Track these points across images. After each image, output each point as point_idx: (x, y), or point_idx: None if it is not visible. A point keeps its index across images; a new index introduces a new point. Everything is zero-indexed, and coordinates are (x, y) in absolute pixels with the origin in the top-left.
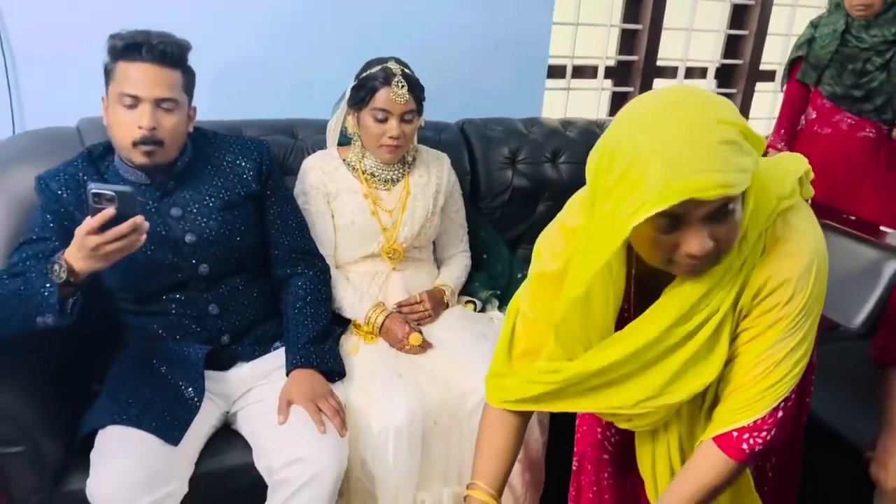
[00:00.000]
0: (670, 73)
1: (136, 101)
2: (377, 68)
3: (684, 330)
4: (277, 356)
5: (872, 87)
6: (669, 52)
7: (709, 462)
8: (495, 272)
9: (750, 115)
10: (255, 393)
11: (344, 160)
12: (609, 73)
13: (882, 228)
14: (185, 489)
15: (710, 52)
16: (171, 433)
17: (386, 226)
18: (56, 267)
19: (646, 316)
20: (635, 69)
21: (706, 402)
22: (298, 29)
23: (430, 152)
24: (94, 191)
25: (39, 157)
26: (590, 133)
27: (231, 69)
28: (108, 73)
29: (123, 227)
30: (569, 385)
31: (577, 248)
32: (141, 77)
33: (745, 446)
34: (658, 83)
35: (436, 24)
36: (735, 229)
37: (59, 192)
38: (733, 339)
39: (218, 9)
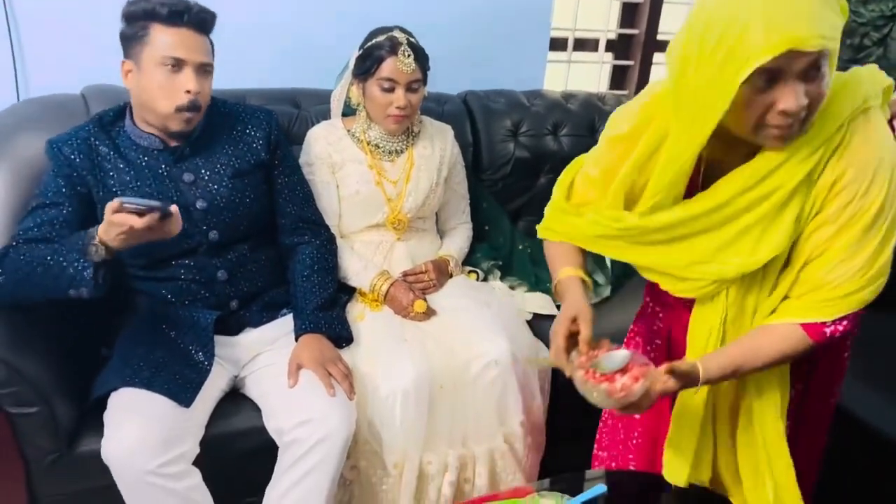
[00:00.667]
0: None
1: (180, 65)
2: (383, 37)
3: (749, 198)
4: (285, 322)
5: (869, 62)
6: (671, 25)
7: (789, 337)
8: (497, 243)
9: None
10: (264, 357)
11: (348, 131)
12: (610, 46)
13: None
14: (197, 450)
15: None
16: (183, 395)
17: (390, 196)
18: (91, 249)
19: (713, 186)
20: (636, 43)
21: (774, 292)
22: (305, 8)
23: (435, 124)
24: (126, 205)
25: (45, 124)
26: (591, 106)
27: (234, 37)
28: (136, 38)
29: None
30: (627, 234)
31: (670, 130)
32: (185, 42)
33: (827, 331)
34: (659, 57)
35: None
36: (824, 91)
37: (72, 157)
38: (809, 233)
39: None
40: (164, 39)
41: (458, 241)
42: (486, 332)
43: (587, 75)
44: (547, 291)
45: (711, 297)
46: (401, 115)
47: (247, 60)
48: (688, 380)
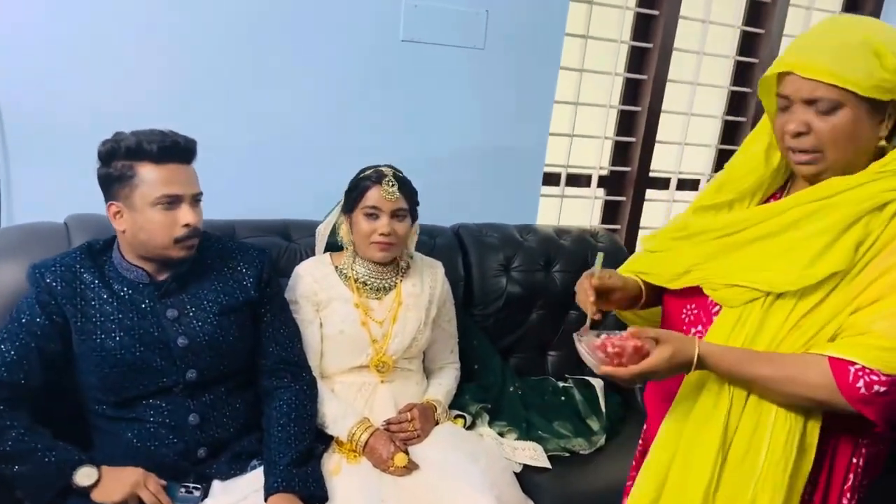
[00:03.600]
0: (662, 183)
1: (177, 201)
2: (370, 171)
3: (809, 209)
4: (255, 477)
5: None
6: (662, 163)
7: (810, 363)
8: (487, 383)
9: None
10: None
11: (336, 267)
12: (602, 182)
13: None
14: None
15: (702, 165)
16: None
17: (376, 337)
18: (88, 470)
19: (782, 199)
20: (628, 179)
21: (798, 329)
22: (299, 132)
23: (425, 260)
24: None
25: (24, 253)
26: (583, 242)
27: (224, 165)
28: (122, 179)
29: None
30: (693, 236)
31: None
32: (177, 177)
33: (855, 379)
34: (651, 193)
35: (437, 131)
36: (839, 134)
37: (53, 284)
38: (863, 276)
39: (216, 106)
40: (154, 177)
41: (446, 382)
42: (472, 492)
43: (580, 210)
44: (538, 439)
45: (741, 308)
46: (385, 241)
47: (237, 190)
48: (681, 345)
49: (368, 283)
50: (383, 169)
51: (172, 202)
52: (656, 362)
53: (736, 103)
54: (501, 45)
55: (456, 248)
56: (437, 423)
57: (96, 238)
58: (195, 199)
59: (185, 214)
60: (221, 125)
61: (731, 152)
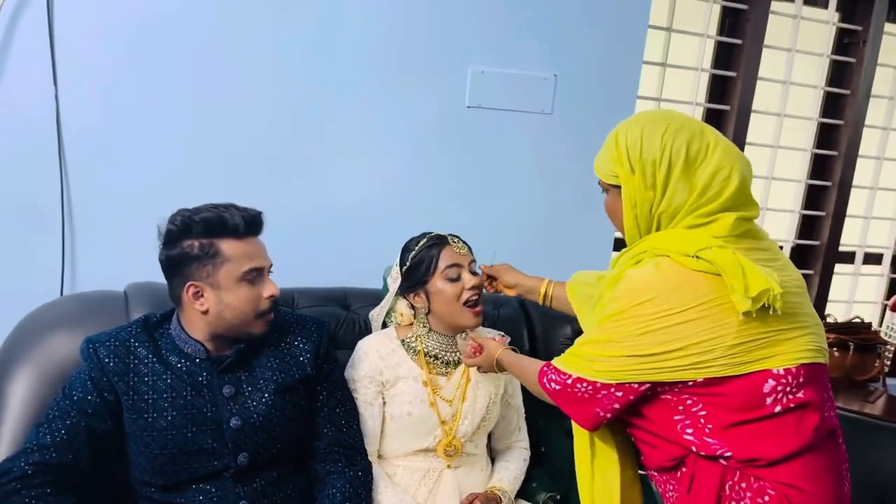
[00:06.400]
0: None
1: (260, 274)
2: (424, 240)
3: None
4: None
5: None
6: None
7: (534, 369)
8: (554, 468)
9: None
10: None
11: (403, 341)
12: None
13: None
14: None
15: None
16: None
17: (445, 418)
18: None
19: None
20: None
21: None
22: (360, 198)
23: (490, 332)
24: None
25: (81, 324)
26: None
27: (287, 234)
28: (203, 257)
29: None
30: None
31: None
32: (257, 250)
33: (545, 379)
34: None
35: (503, 198)
36: (608, 211)
37: (106, 360)
38: None
39: (277, 172)
40: (238, 252)
41: (513, 467)
42: None
43: None
44: None
45: None
46: (476, 296)
47: (298, 257)
48: (491, 353)
49: (440, 356)
50: (435, 234)
51: (257, 276)
52: (478, 360)
53: (820, 166)
54: (570, 109)
55: (521, 320)
56: None
57: (155, 310)
58: (270, 270)
59: (268, 287)
60: (282, 192)
61: (808, 218)
